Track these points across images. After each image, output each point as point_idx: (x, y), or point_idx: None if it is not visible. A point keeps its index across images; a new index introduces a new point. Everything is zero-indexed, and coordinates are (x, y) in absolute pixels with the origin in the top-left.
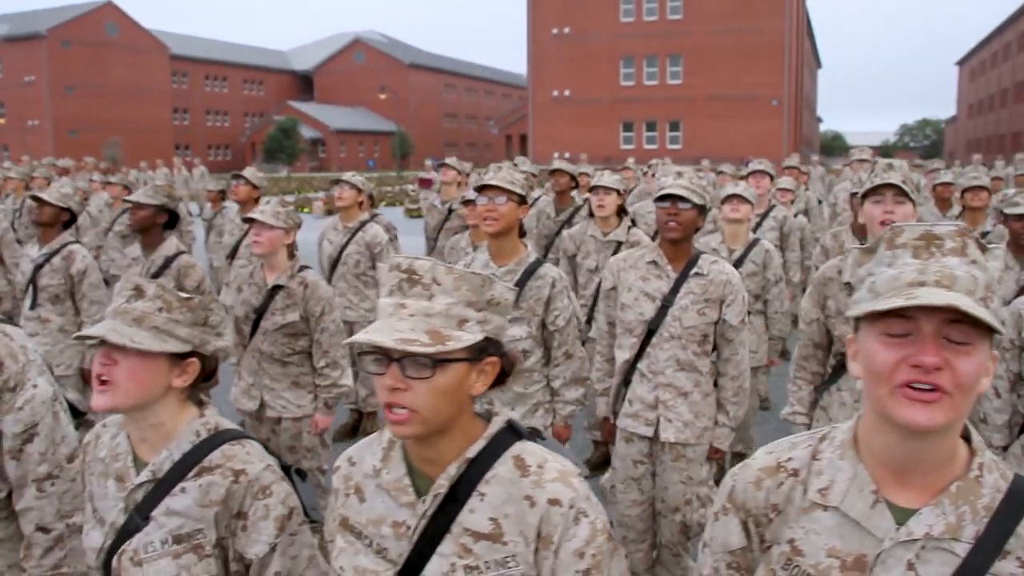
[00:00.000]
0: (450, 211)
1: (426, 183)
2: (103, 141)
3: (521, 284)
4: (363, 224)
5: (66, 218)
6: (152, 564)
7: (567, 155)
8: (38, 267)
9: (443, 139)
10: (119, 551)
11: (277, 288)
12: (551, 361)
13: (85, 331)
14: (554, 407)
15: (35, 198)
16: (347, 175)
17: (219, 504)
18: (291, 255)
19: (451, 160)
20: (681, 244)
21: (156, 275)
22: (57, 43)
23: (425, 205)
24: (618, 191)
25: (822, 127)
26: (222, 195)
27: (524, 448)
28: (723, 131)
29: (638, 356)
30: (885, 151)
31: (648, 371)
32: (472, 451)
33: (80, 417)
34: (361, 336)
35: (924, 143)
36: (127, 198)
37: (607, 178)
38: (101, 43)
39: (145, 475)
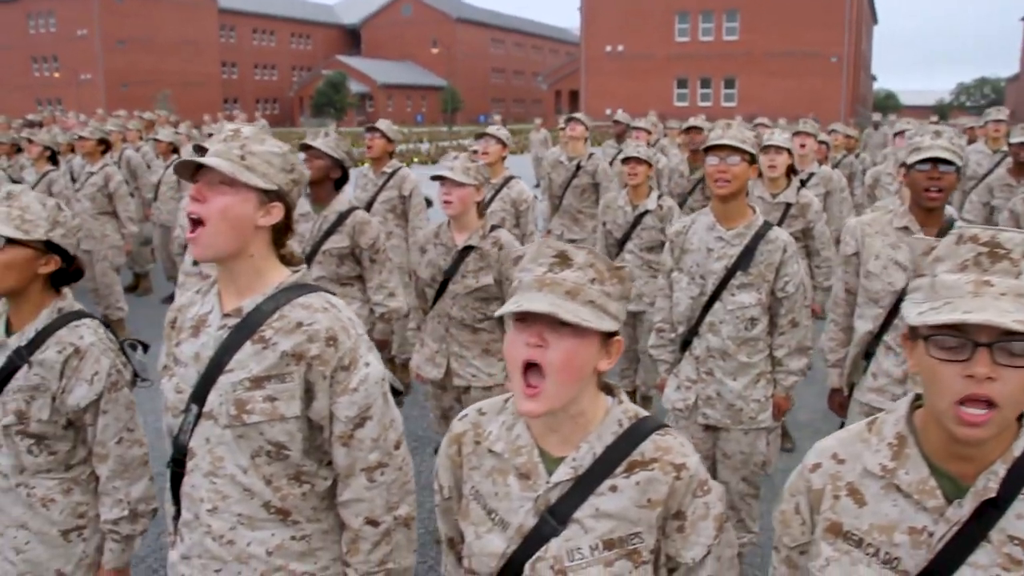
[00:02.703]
0: (578, 167)
1: None
2: (153, 94)
3: (751, 249)
4: (508, 180)
5: None
6: (579, 573)
7: (620, 111)
8: None
9: (490, 94)
10: (532, 558)
11: (468, 249)
12: (776, 329)
13: (521, 305)
14: (776, 377)
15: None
16: (491, 128)
17: (660, 504)
18: (481, 213)
19: (580, 115)
20: (936, 211)
21: (329, 232)
22: None
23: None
24: (789, 150)
25: (874, 86)
26: None
27: None
28: (779, 88)
29: (883, 327)
30: (940, 110)
31: (896, 344)
32: (1019, 447)
33: (398, 396)
34: (972, 315)
35: (981, 102)
36: (308, 142)
37: (778, 136)
38: None
39: (564, 472)
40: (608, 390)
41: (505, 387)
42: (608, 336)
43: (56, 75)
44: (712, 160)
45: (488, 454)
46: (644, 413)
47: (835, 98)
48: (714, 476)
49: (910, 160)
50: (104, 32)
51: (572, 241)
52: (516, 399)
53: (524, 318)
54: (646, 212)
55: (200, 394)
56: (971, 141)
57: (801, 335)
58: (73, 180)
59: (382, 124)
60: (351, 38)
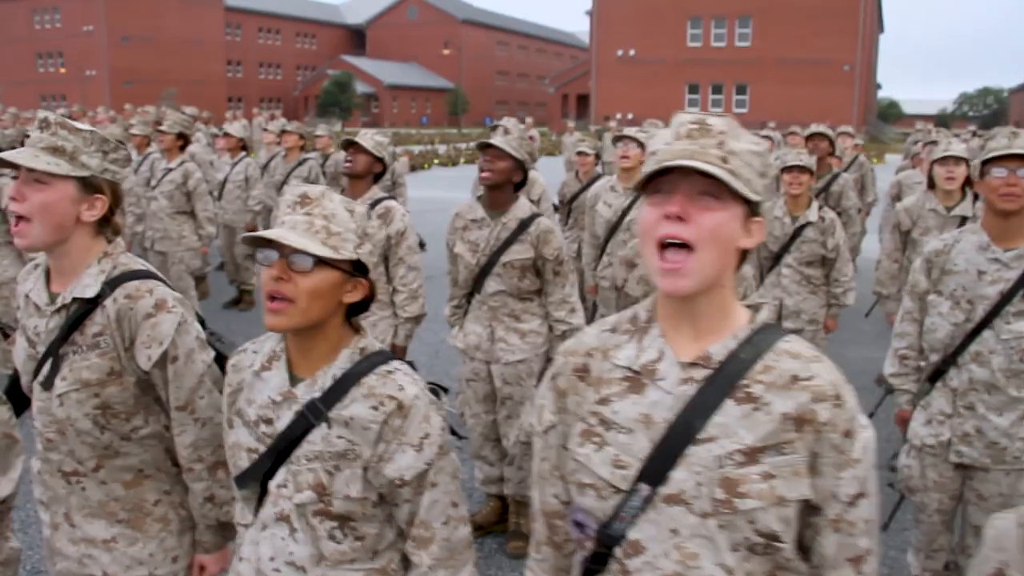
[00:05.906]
0: None
1: None
2: (156, 92)
3: None
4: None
5: (379, 170)
6: None
7: (630, 116)
8: None
9: (494, 97)
10: None
11: None
12: None
13: None
14: None
15: (349, 143)
16: (629, 130)
17: None
18: None
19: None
20: None
21: (510, 240)
22: None
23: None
24: (968, 161)
25: (878, 94)
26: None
27: None
28: (791, 96)
29: None
30: (942, 120)
31: None
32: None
33: None
34: None
35: (984, 112)
36: (487, 140)
37: (956, 147)
38: None
39: None
40: None
41: None
42: None
43: (61, 71)
44: (999, 172)
45: None
46: None
47: (847, 106)
48: (962, 517)
49: None
50: (110, 28)
51: None
52: None
53: None
54: (807, 224)
55: (657, 470)
56: None
57: None
58: None
59: (508, 122)
60: (356, 38)
